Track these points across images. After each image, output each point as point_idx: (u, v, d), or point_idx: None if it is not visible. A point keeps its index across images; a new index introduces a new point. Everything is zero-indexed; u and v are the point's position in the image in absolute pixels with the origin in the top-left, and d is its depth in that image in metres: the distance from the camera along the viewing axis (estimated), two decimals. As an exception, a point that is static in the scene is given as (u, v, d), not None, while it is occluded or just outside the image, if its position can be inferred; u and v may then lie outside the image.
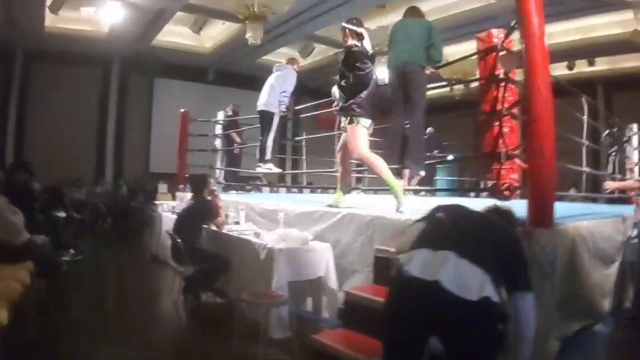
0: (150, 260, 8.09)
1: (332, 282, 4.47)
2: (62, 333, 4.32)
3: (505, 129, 4.26)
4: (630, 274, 4.65)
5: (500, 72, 4.40)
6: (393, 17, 10.92)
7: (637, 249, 4.68)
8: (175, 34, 13.11)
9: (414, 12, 5.62)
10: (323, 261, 4.48)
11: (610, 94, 13.66)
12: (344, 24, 4.84)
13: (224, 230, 5.59)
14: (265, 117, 7.14)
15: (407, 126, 5.30)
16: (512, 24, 4.03)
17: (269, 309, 3.95)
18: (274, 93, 7.11)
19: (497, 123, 4.29)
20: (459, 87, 12.86)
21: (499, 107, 4.31)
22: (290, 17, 11.00)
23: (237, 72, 15.71)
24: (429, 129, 11.18)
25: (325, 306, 4.56)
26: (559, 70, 12.28)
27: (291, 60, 7.50)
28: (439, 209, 2.51)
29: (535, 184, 3.23)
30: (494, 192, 4.19)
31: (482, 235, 2.26)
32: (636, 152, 8.15)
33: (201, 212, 5.67)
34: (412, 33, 5.28)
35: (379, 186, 10.99)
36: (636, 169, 5.94)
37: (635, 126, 8.41)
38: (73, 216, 8.69)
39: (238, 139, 10.09)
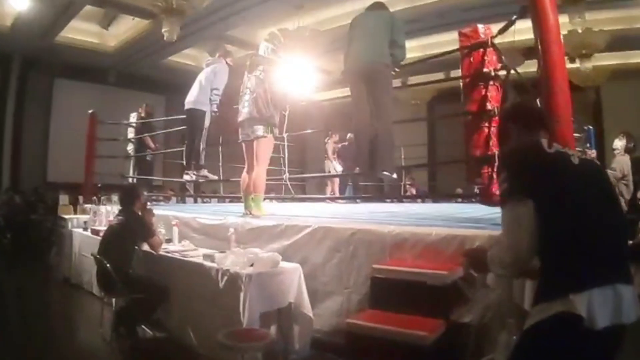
0: (63, 284, 7.04)
1: (306, 307, 3.84)
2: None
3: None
4: None
5: (490, 69, 4.02)
6: (310, 18, 10.61)
7: None
8: (79, 31, 11.91)
9: (378, 6, 4.99)
10: (294, 285, 3.83)
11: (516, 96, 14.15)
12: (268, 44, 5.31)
13: (161, 252, 4.77)
14: (195, 117, 6.34)
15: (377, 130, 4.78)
16: (513, 18, 3.66)
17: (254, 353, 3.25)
18: (205, 89, 6.30)
19: (486, 124, 3.89)
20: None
21: (488, 106, 3.92)
22: (200, 16, 10.21)
23: (139, 74, 14.69)
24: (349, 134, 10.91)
25: (296, 336, 3.89)
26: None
27: (224, 54, 6.68)
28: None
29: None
30: (484, 197, 3.84)
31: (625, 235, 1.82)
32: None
33: (133, 230, 4.77)
34: (374, 28, 4.70)
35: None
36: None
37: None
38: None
39: (152, 145, 9.15)
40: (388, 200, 9.09)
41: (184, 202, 10.38)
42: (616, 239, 1.71)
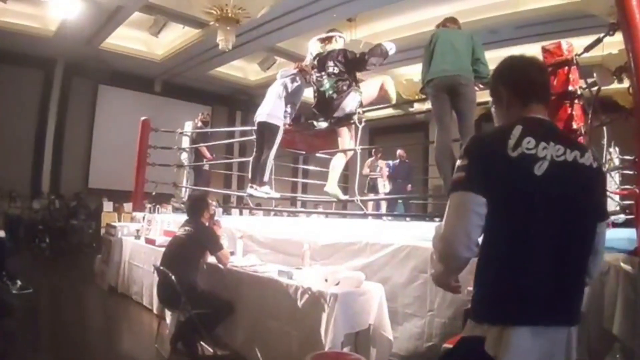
0: (109, 293, 6.99)
1: (386, 329, 3.67)
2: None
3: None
4: None
5: (576, 87, 3.89)
6: (362, 31, 10.55)
7: None
8: (125, 38, 11.99)
9: (453, 22, 5.01)
10: (375, 305, 3.67)
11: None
12: None
13: (228, 265, 4.62)
14: (267, 131, 6.04)
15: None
16: (602, 35, 3.55)
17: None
18: (280, 103, 6.03)
19: (574, 143, 3.77)
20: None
21: (574, 126, 3.79)
22: (252, 27, 10.19)
23: (186, 84, 14.84)
24: (399, 151, 10.81)
25: (373, 359, 3.72)
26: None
27: (301, 68, 6.44)
28: None
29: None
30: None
31: None
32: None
33: (200, 241, 4.64)
34: (459, 44, 4.66)
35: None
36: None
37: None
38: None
39: (209, 154, 9.07)
40: (437, 219, 8.87)
41: (229, 213, 10.32)
42: (567, 273, 1.50)
